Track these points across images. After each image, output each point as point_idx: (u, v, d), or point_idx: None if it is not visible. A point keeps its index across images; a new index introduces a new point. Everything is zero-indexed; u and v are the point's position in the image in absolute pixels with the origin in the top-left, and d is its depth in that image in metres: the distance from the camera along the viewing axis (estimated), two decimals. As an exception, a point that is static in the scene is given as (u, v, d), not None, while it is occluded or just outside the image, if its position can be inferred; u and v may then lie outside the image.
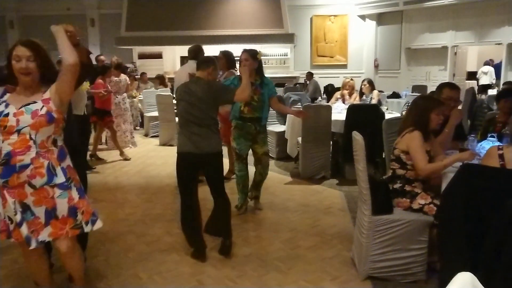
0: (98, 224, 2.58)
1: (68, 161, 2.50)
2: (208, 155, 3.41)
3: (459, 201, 2.14)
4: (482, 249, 2.05)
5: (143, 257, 3.48)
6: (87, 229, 2.52)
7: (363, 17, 13.76)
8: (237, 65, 5.03)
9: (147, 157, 7.20)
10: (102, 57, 8.11)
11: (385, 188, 2.99)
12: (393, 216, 2.93)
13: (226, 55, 5.45)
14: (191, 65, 5.63)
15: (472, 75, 14.10)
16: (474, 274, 1.28)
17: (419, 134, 3.02)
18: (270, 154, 6.92)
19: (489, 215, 2.05)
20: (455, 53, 12.49)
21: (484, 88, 12.05)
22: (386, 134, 3.90)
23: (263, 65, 4.55)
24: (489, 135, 3.30)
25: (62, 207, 2.42)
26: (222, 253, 3.45)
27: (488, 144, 3.11)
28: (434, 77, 12.69)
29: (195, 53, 5.71)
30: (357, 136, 2.97)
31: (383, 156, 4.41)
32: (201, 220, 3.58)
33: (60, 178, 2.40)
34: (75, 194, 2.47)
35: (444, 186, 2.87)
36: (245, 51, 4.28)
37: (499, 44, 11.53)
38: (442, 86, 3.73)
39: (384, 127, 3.92)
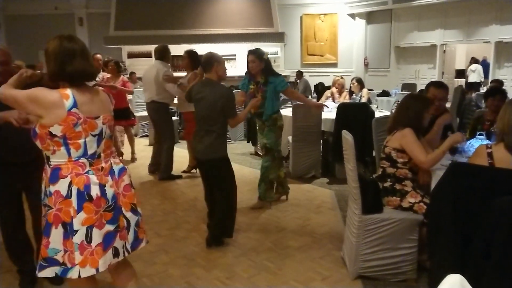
0: (45, 273, 2.11)
1: (58, 187, 2.08)
2: (209, 161, 3.58)
3: (448, 200, 2.12)
4: (471, 248, 2.04)
5: (131, 259, 3.37)
6: (37, 272, 2.14)
7: (352, 15, 13.79)
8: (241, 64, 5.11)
9: (137, 157, 7.12)
10: (98, 56, 7.86)
11: (374, 187, 2.97)
12: (383, 215, 2.92)
13: (191, 54, 5.47)
14: (157, 65, 5.67)
15: (460, 73, 14.23)
16: (463, 274, 1.27)
17: (410, 130, 3.01)
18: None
19: (478, 214, 2.04)
20: (444, 51, 12.57)
21: (472, 86, 12.15)
22: (376, 132, 3.89)
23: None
24: (477, 133, 3.30)
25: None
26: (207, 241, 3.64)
27: (477, 142, 3.11)
28: (423, 75, 12.78)
29: (161, 53, 5.72)
30: (346, 135, 2.95)
31: (373, 155, 4.41)
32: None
33: (45, 200, 2.15)
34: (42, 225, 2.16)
35: (434, 184, 2.88)
36: (251, 52, 4.38)
37: (487, 42, 11.63)
38: (428, 85, 3.75)
39: (374, 126, 3.91)
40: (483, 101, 7.18)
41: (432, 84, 3.74)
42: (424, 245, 2.93)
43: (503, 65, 11.49)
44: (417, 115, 3.07)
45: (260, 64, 4.32)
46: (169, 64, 5.76)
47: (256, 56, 4.32)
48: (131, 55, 14.67)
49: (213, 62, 3.55)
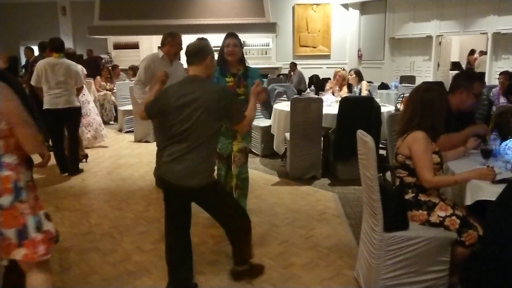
0: None
1: None
2: (192, 190, 2.52)
3: (510, 225, 1.65)
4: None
5: (107, 283, 2.90)
6: None
7: (346, 6, 13.32)
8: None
9: (120, 156, 6.58)
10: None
11: (398, 199, 2.48)
12: (409, 232, 2.44)
13: None
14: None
15: (456, 66, 13.85)
16: None
17: (423, 135, 2.51)
18: (254, 151, 6.42)
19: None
20: (440, 43, 12.21)
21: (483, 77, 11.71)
22: (390, 131, 3.39)
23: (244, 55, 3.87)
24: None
25: None
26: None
27: (515, 144, 2.65)
28: (418, 67, 12.47)
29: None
30: (365, 137, 2.45)
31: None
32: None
33: None
34: None
35: (468, 193, 2.42)
36: (232, 35, 3.58)
37: (484, 33, 11.28)
38: (473, 79, 3.16)
39: (388, 123, 3.40)
40: (491, 94, 6.80)
41: (477, 78, 3.20)
42: (456, 266, 2.49)
43: (500, 56, 11.16)
44: (438, 115, 2.58)
45: (241, 50, 3.57)
46: None
47: (238, 40, 3.55)
48: (117, 46, 14.10)
49: (208, 53, 2.62)
